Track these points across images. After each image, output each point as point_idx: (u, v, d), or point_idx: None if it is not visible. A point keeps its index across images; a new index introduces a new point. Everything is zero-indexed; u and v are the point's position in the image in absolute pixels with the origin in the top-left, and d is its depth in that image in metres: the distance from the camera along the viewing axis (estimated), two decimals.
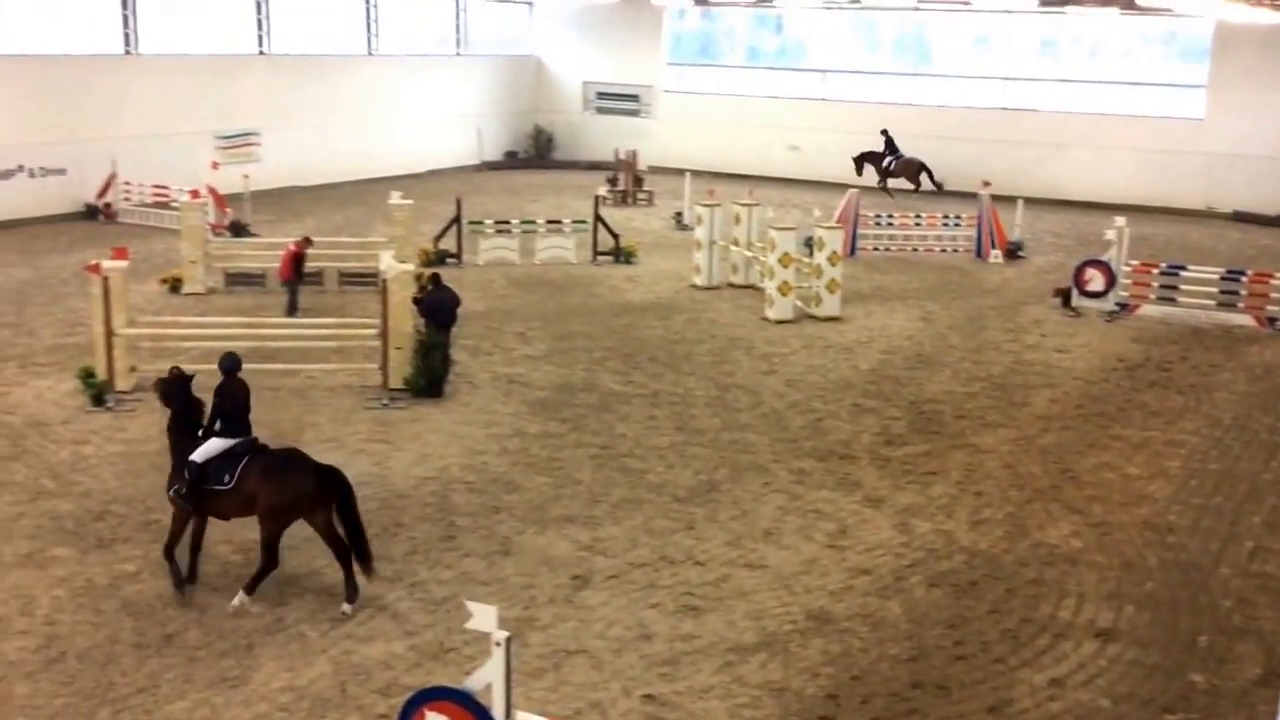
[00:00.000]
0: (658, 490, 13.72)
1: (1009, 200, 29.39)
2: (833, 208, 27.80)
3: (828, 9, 40.77)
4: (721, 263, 24.58)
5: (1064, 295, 23.39)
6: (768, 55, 43.34)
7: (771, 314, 21.80)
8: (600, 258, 26.61)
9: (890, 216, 28.70)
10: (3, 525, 12.22)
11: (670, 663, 9.97)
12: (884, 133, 36.35)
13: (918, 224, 28.46)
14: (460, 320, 18.03)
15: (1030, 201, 30.67)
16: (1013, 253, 28.18)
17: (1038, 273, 26.71)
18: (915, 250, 28.21)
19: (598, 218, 26.77)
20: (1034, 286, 25.21)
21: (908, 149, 35.66)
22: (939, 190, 35.01)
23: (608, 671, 9.80)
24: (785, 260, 21.66)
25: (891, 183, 35.48)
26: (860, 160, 35.87)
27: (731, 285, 24.47)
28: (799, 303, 22.17)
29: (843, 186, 30.36)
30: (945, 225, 28.39)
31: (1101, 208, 33.96)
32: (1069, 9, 36.22)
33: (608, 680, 9.68)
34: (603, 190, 31.31)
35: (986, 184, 28.02)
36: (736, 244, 24.41)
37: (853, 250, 27.02)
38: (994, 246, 27.93)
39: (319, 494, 10.57)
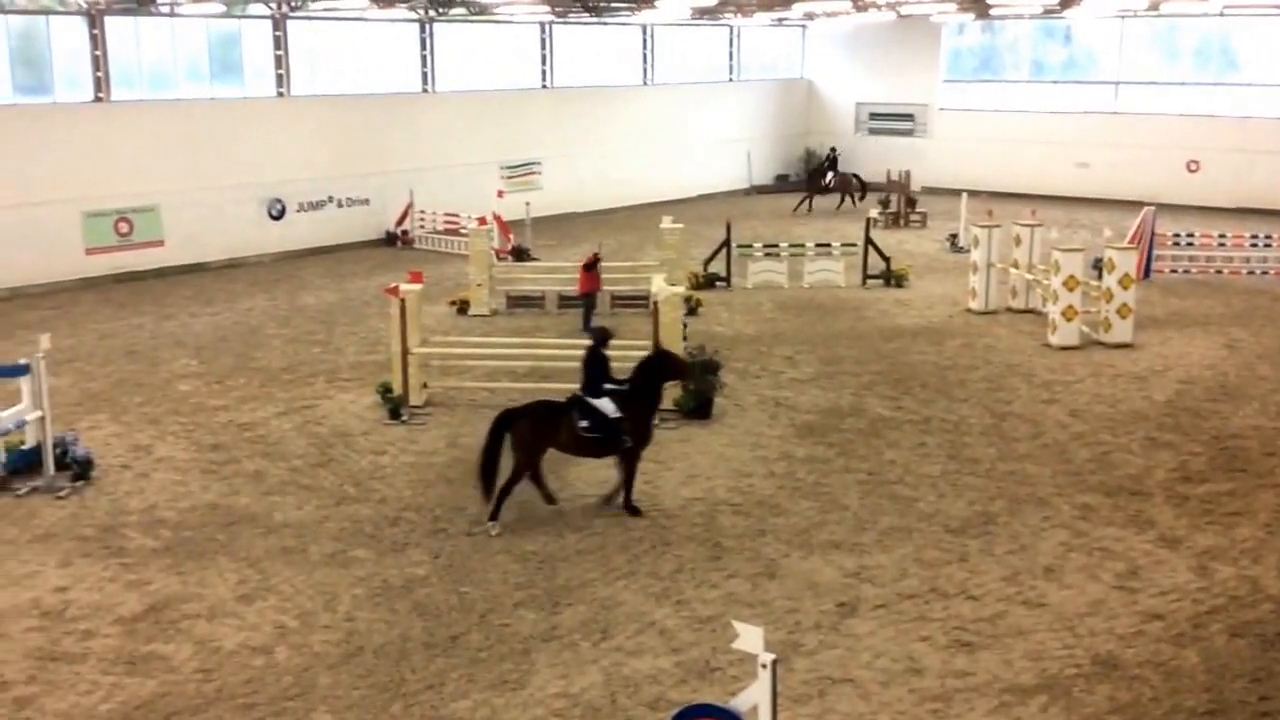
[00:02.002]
0: (928, 519, 13.40)
1: None
2: (1125, 227, 26.46)
3: (1122, 17, 38.85)
4: (1000, 286, 23.79)
5: None
6: (1054, 68, 41.71)
7: (1055, 340, 20.92)
8: (870, 281, 26.30)
9: (1190, 236, 27.03)
10: (311, 526, 13.25)
11: (941, 699, 9.71)
12: (833, 149, 39.95)
13: (1221, 244, 26.67)
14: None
15: None
16: None
17: None
18: (1219, 272, 26.45)
19: (868, 240, 26.47)
20: None
21: (1214, 164, 33.95)
22: (863, 195, 37.39)
23: (875, 703, 9.64)
24: (1071, 283, 20.75)
25: (826, 197, 37.64)
26: (812, 175, 38.68)
27: (1010, 310, 23.64)
28: (1086, 328, 21.17)
29: (1136, 205, 28.83)
30: (1254, 246, 26.48)
31: None
32: None
33: (875, 712, 9.52)
34: (874, 212, 30.94)
35: None
36: (1016, 266, 23.58)
37: (1147, 273, 25.61)
38: None
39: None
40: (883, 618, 11.07)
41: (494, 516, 13.03)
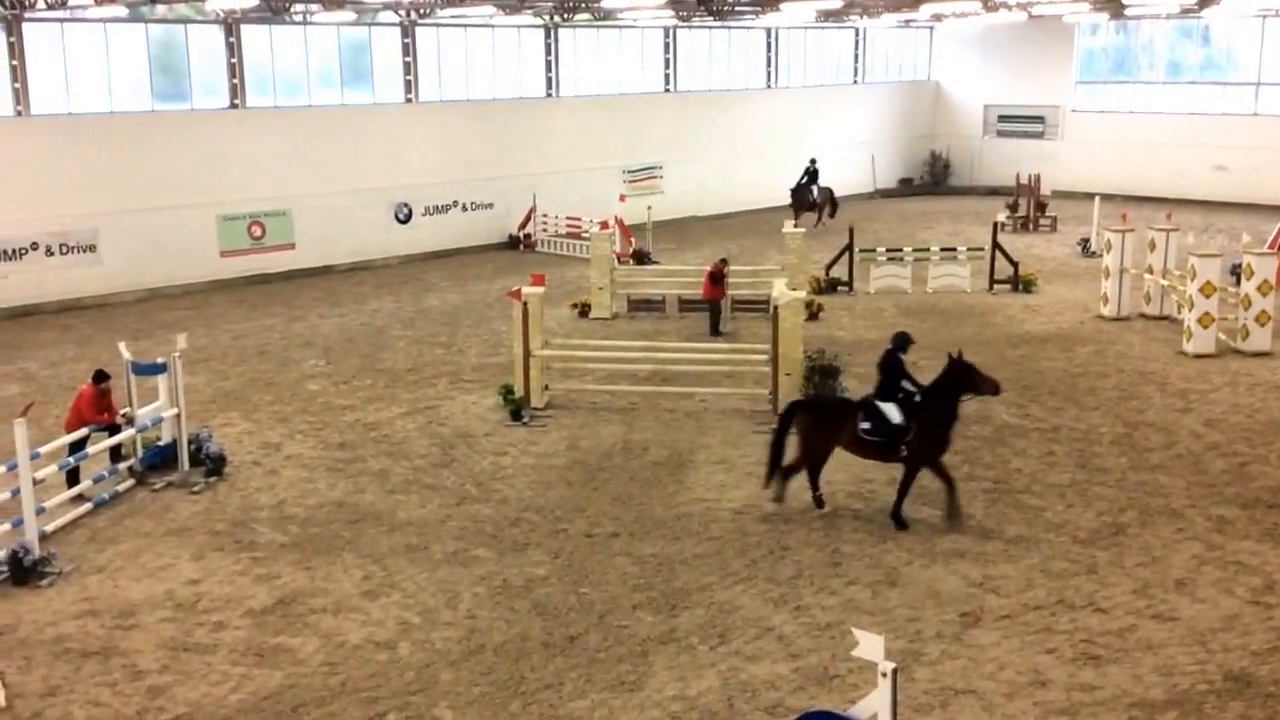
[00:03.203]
0: (1056, 530, 13.06)
1: None
2: (1265, 232, 25.43)
3: (1262, 17, 37.37)
4: (1133, 292, 23.10)
5: None
6: (1191, 69, 40.33)
7: (1190, 347, 20.22)
8: (997, 286, 25.76)
9: None
10: (433, 525, 13.48)
11: (1067, 713, 9.45)
12: (812, 161, 35.29)
13: None
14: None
15: None
16: None
17: None
18: None
19: (995, 244, 25.93)
20: None
21: None
22: (832, 215, 34.48)
23: (998, 715, 9.43)
24: (1207, 289, 20.02)
25: (807, 215, 34.08)
26: (798, 189, 34.87)
27: (1144, 316, 22.94)
28: (1223, 336, 20.41)
29: (1277, 209, 27.69)
30: None
31: None
32: None
33: None
34: (1002, 216, 30.34)
35: None
36: (1151, 272, 22.86)
37: None
38: None
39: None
40: (1007, 629, 10.82)
41: (820, 504, 13.50)
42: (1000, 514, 13.50)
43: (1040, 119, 42.58)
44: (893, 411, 13.04)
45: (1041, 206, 34.45)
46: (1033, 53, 42.09)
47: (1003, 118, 43.55)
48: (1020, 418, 17.00)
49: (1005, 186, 37.29)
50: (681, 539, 12.94)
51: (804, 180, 35.17)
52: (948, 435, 13.16)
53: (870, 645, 6.81)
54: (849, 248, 25.83)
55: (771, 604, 11.36)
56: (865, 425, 13.09)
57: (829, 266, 26.10)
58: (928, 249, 26.95)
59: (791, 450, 13.50)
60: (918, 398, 13.13)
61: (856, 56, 43.20)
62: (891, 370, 13.29)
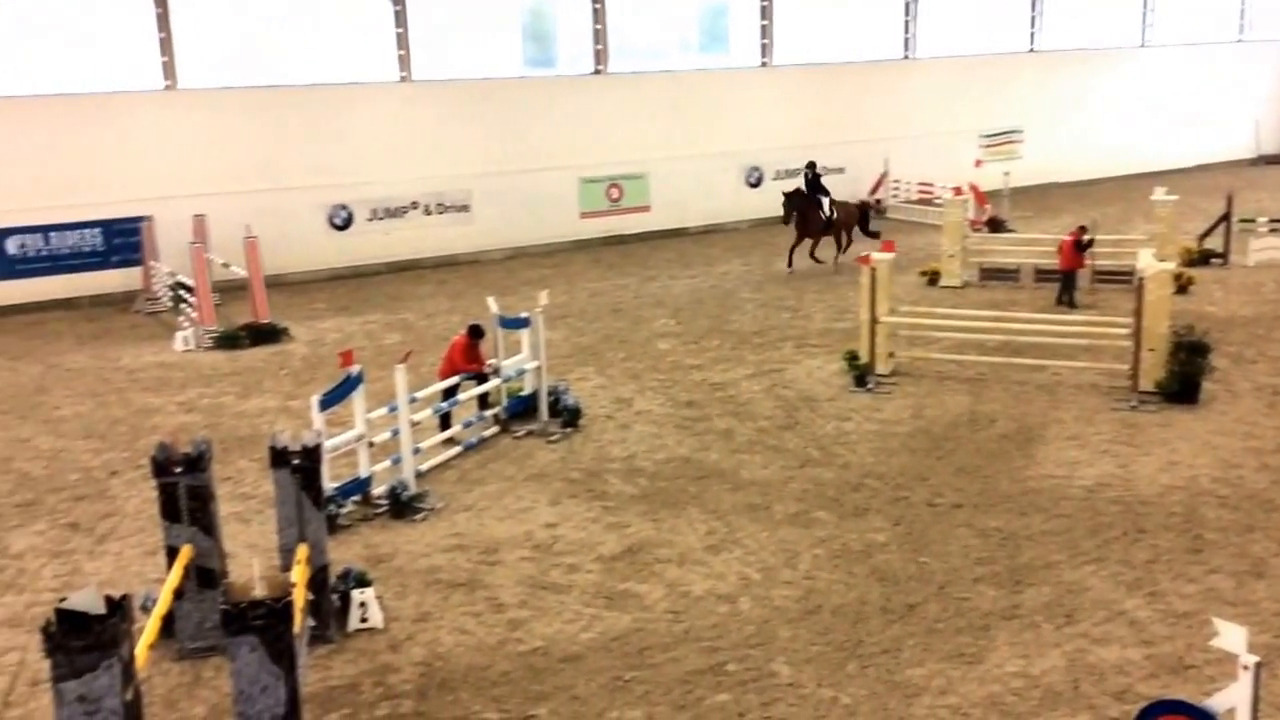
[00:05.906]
0: None
1: None
2: None
3: None
4: None
5: None
6: None
7: None
8: None
9: None
10: (776, 486, 13.76)
11: None
12: (810, 166, 26.47)
13: None
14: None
15: None
16: None
17: None
18: None
19: None
20: None
21: None
22: (875, 237, 24.65)
23: None
24: None
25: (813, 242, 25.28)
26: (803, 211, 25.18)
27: None
28: None
29: None
30: None
31: None
32: None
33: None
34: None
35: None
36: None
37: None
38: None
39: None
40: None
41: None
42: None
43: None
44: None
45: None
46: None
47: None
48: None
49: None
50: (1028, 514, 12.59)
51: (810, 192, 25.76)
52: None
53: (1232, 636, 6.51)
54: (1226, 217, 23.99)
55: (1124, 587, 10.88)
56: None
57: (1203, 237, 24.37)
58: None
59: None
60: None
61: (1241, 12, 39.68)
62: None
